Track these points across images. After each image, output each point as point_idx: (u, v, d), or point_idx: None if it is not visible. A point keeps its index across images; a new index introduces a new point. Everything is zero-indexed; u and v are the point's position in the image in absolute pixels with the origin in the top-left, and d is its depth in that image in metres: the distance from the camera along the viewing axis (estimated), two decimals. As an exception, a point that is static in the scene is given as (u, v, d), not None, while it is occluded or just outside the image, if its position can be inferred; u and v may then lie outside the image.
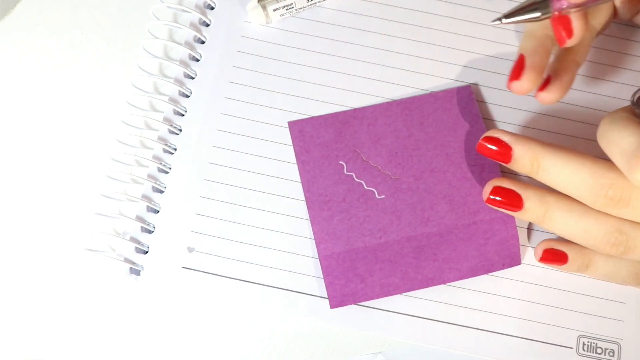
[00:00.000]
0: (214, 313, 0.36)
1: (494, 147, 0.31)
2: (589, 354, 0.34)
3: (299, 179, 0.36)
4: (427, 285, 0.34)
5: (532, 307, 0.35)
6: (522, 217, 0.32)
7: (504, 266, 0.35)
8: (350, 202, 0.35)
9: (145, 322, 0.36)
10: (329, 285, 0.34)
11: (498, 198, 0.32)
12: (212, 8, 0.40)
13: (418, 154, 0.36)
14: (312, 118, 0.37)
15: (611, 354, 0.35)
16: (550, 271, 0.35)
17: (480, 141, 0.32)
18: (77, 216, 0.37)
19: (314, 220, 0.35)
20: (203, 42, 0.39)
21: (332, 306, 0.34)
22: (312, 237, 0.35)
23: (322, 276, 0.34)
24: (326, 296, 0.34)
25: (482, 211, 0.35)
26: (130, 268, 0.35)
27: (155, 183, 0.36)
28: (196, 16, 0.39)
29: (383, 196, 0.35)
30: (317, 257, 0.35)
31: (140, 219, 0.36)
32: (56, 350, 0.35)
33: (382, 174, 0.35)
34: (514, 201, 0.31)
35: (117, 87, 0.39)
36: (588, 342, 0.35)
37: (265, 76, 0.38)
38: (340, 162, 0.36)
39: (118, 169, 0.37)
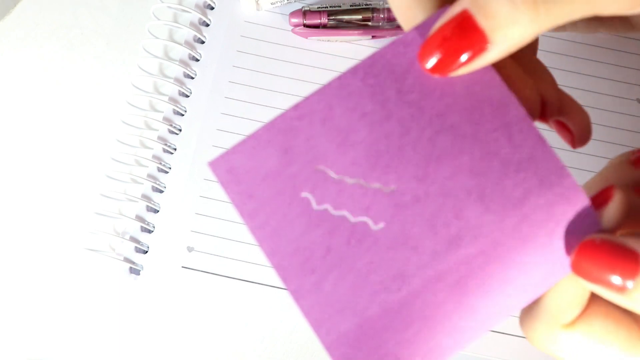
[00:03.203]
0: (213, 312, 0.36)
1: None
2: (589, 353, 0.34)
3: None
4: (493, 326, 0.22)
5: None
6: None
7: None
8: (338, 251, 0.22)
9: (145, 321, 0.36)
10: None
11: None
12: (212, 8, 0.40)
13: (410, 140, 0.22)
14: (239, 144, 0.22)
15: (612, 353, 0.34)
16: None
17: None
18: (77, 216, 0.37)
19: (296, 295, 0.22)
20: (203, 42, 0.39)
21: None
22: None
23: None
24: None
25: (531, 195, 0.21)
26: (130, 267, 0.35)
27: (155, 183, 0.36)
28: (196, 16, 0.39)
29: (382, 224, 0.22)
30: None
31: (140, 218, 0.36)
32: (56, 350, 0.35)
33: (369, 189, 0.22)
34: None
35: (117, 87, 0.39)
36: (589, 341, 0.34)
37: (265, 76, 0.38)
38: (302, 194, 0.22)
39: (118, 168, 0.37)
